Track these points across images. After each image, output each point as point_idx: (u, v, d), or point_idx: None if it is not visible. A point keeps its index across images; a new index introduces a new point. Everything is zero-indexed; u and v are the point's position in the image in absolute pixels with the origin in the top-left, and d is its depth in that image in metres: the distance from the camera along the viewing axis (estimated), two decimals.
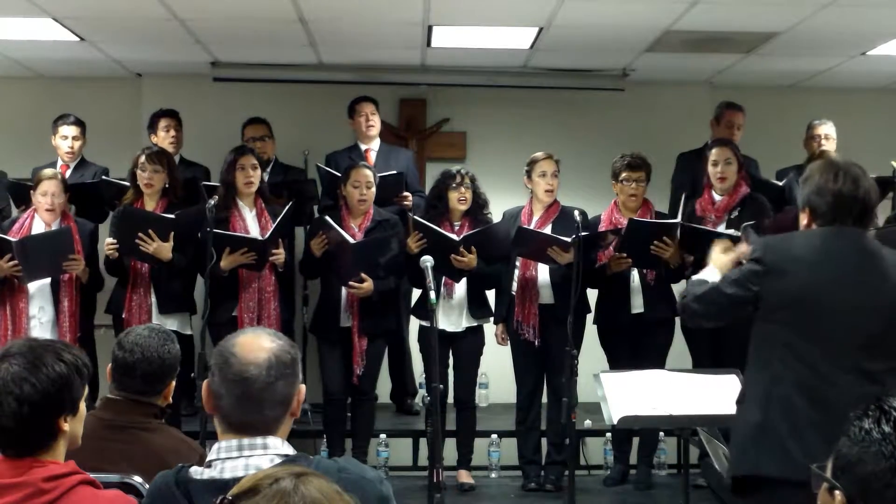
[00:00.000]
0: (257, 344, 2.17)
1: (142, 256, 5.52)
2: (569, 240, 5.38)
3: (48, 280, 5.57)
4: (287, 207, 5.70)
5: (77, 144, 6.52)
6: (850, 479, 1.63)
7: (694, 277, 3.53)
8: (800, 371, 3.09)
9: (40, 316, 5.56)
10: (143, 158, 5.68)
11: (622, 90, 7.62)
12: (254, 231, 5.63)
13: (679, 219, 5.62)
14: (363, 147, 6.64)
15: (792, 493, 3.02)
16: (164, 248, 5.47)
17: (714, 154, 5.77)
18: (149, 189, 5.67)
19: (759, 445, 3.14)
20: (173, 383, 3.15)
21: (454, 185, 5.72)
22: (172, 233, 5.48)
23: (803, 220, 3.25)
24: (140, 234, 5.44)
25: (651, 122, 7.57)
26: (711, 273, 3.44)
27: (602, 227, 5.72)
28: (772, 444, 3.10)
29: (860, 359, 3.07)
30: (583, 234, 5.28)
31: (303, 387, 2.21)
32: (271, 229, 5.55)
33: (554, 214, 5.76)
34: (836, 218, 3.16)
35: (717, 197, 5.75)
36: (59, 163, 6.48)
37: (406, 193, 6.37)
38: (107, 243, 5.55)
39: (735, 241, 4.84)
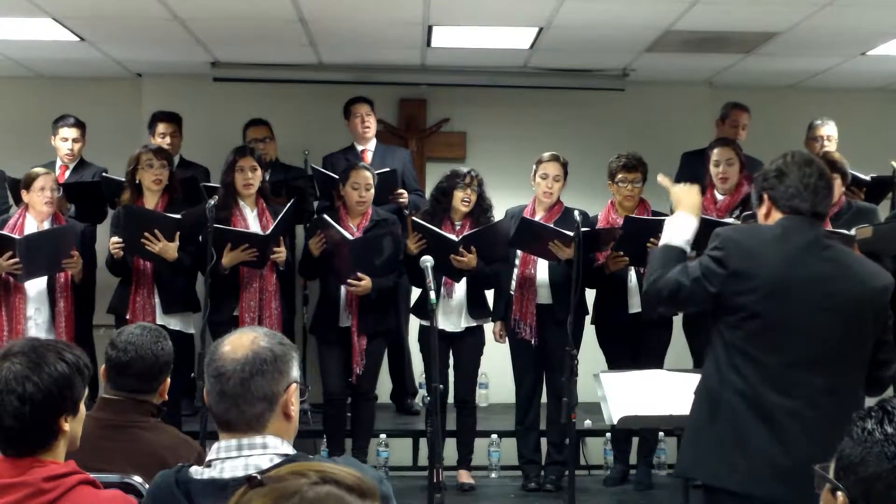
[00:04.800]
0: (239, 342, 2.17)
1: (147, 256, 5.52)
2: (571, 234, 5.38)
3: (44, 282, 5.56)
4: (288, 205, 5.69)
5: (77, 146, 6.51)
6: (853, 480, 1.63)
7: (661, 242, 3.34)
8: (751, 379, 3.02)
9: (36, 317, 5.55)
10: (148, 155, 5.65)
11: (622, 90, 7.61)
12: (255, 230, 5.62)
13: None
14: (360, 147, 6.64)
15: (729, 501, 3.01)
16: (169, 248, 5.46)
17: (716, 154, 5.77)
18: (157, 185, 5.64)
19: (704, 449, 3.11)
20: (168, 380, 3.16)
21: (461, 184, 5.71)
22: (178, 232, 5.48)
23: (762, 210, 3.18)
24: (146, 234, 5.44)
25: (651, 122, 7.57)
26: (680, 225, 3.31)
27: (600, 227, 5.71)
28: (715, 451, 3.07)
29: (816, 371, 3.00)
30: (584, 229, 5.27)
31: (293, 386, 2.18)
32: (272, 226, 5.55)
33: (557, 215, 5.76)
34: (796, 209, 3.11)
35: (718, 196, 5.76)
36: (59, 164, 6.47)
37: (401, 190, 6.36)
38: (112, 242, 5.53)
39: None
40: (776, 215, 3.16)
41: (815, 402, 2.99)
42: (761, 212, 3.20)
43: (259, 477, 1.47)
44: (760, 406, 3.00)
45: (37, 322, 5.54)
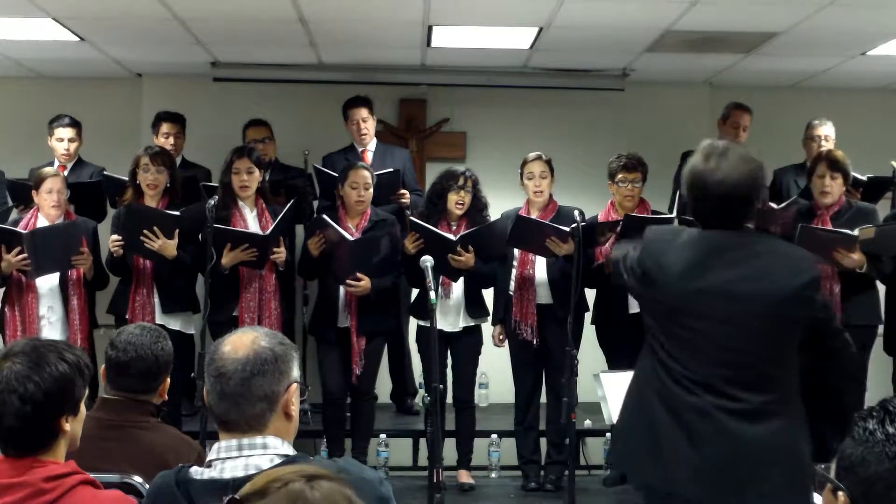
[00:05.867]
0: (240, 341, 2.17)
1: (146, 253, 5.52)
2: (567, 229, 5.38)
3: (56, 280, 5.57)
4: (289, 206, 5.69)
5: (73, 146, 6.50)
6: (854, 480, 1.63)
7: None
8: (666, 383, 2.99)
9: (49, 315, 5.56)
10: (145, 159, 5.67)
11: (622, 90, 7.62)
12: (255, 230, 5.62)
13: (674, 213, 5.63)
14: (360, 147, 6.64)
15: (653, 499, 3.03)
16: (169, 246, 5.46)
17: None
18: (152, 190, 5.66)
19: (628, 446, 3.12)
20: (168, 380, 3.16)
21: (455, 187, 5.71)
22: (177, 230, 5.48)
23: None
24: (145, 231, 5.44)
25: (651, 122, 7.57)
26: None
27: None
28: (635, 449, 3.07)
29: (728, 372, 2.94)
30: (582, 223, 5.27)
31: (294, 386, 2.19)
32: (272, 227, 5.55)
33: (551, 214, 5.75)
34: (710, 220, 3.02)
35: None
36: (56, 164, 6.46)
37: (403, 191, 6.36)
38: (112, 240, 5.53)
39: None
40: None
41: (727, 405, 2.94)
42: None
43: (238, 497, 1.47)
44: (674, 407, 2.97)
45: (50, 320, 5.55)
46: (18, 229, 5.47)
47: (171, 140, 6.64)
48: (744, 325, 2.93)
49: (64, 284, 5.58)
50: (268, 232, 5.53)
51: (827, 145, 6.53)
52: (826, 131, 6.66)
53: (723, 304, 2.93)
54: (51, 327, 5.52)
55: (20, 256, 5.36)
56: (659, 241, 3.09)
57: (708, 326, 2.94)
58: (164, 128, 6.68)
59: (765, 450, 2.93)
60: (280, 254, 5.58)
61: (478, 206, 5.79)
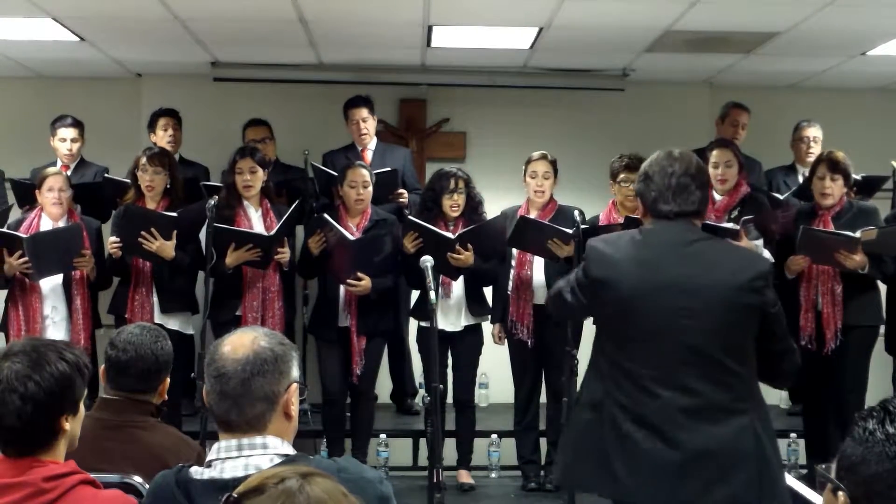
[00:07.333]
0: (240, 341, 2.17)
1: (144, 255, 5.52)
2: (570, 231, 5.38)
3: (60, 279, 5.57)
4: (293, 206, 5.69)
5: (76, 146, 6.50)
6: (854, 480, 1.63)
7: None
8: (625, 388, 3.00)
9: (53, 315, 5.57)
10: (143, 160, 5.68)
11: (622, 90, 7.62)
12: (259, 230, 5.62)
13: None
14: (359, 147, 6.64)
15: None
16: (166, 247, 5.47)
17: (714, 156, 5.77)
18: (150, 191, 5.67)
19: (587, 460, 3.09)
20: (168, 380, 3.17)
21: (447, 190, 5.70)
22: (175, 231, 5.48)
23: (640, 213, 3.18)
24: (143, 233, 5.44)
25: (651, 122, 7.56)
26: None
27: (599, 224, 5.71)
28: (597, 461, 3.05)
29: (683, 374, 2.96)
30: (583, 226, 5.27)
31: (294, 386, 2.19)
32: (276, 227, 5.55)
33: (551, 213, 5.75)
34: (659, 212, 3.07)
35: (717, 196, 5.75)
36: (59, 164, 6.46)
37: (401, 190, 6.36)
38: (110, 242, 5.55)
39: (734, 234, 4.87)
40: (648, 218, 3.15)
41: (691, 404, 2.96)
42: (640, 215, 3.20)
43: (235, 496, 1.48)
44: (638, 413, 2.98)
45: (54, 320, 5.56)
46: (19, 233, 5.47)
47: (170, 132, 6.64)
48: (701, 316, 2.97)
49: (67, 284, 5.59)
50: (272, 232, 5.53)
51: (815, 146, 6.55)
52: (814, 133, 6.68)
53: (679, 297, 2.97)
54: (55, 327, 5.53)
55: (21, 260, 5.37)
56: (602, 248, 3.13)
57: (665, 321, 2.98)
58: (162, 122, 6.69)
59: (730, 452, 2.95)
60: (284, 254, 5.59)
61: (472, 204, 5.79)
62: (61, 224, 5.65)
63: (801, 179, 6.44)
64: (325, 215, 5.63)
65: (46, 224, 5.65)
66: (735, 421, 2.97)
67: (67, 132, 6.48)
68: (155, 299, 5.60)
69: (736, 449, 2.96)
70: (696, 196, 3.10)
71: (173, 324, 5.54)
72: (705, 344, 2.97)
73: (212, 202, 5.33)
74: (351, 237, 5.52)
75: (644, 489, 2.99)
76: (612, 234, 3.40)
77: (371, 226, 5.69)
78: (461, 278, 5.72)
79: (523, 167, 5.81)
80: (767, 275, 3.08)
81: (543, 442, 5.95)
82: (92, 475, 2.24)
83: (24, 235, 5.44)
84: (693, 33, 6.27)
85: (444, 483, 4.44)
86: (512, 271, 5.77)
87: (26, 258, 5.36)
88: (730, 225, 5.18)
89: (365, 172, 5.71)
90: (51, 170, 5.84)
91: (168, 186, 5.70)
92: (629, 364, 3.01)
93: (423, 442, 6.20)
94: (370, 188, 5.70)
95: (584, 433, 3.13)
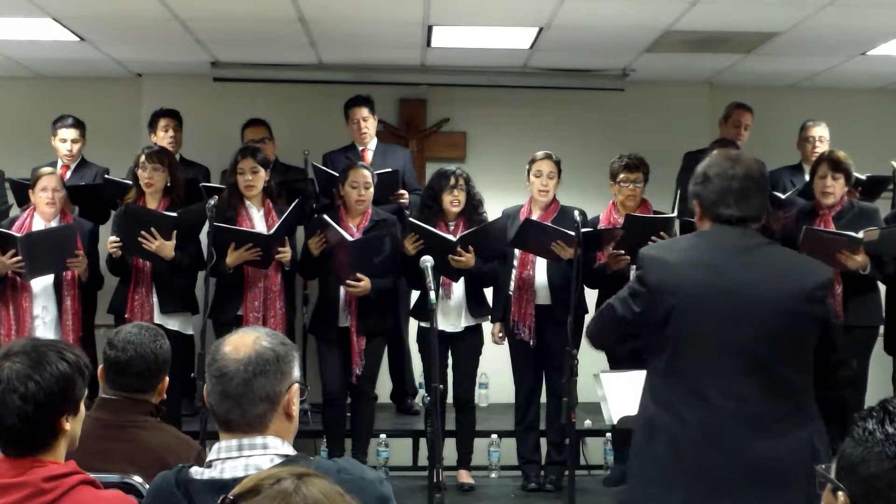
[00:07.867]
0: (241, 342, 2.17)
1: (144, 254, 5.52)
2: (573, 234, 5.38)
3: (51, 279, 5.57)
4: (293, 205, 5.69)
5: (76, 147, 6.50)
6: (854, 480, 1.63)
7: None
8: (681, 395, 2.93)
9: (43, 315, 5.56)
10: (142, 158, 5.69)
11: (622, 90, 7.62)
12: (261, 230, 5.62)
13: (675, 213, 5.63)
14: (360, 147, 6.64)
15: None
16: (166, 247, 5.47)
17: None
18: (149, 188, 5.67)
19: (648, 480, 3.01)
20: (167, 379, 3.16)
21: (447, 187, 5.72)
22: (175, 231, 5.48)
23: (696, 216, 3.10)
24: (142, 232, 5.44)
25: (651, 122, 7.57)
26: None
27: (601, 227, 5.71)
28: (657, 481, 2.96)
29: (741, 383, 2.89)
30: (585, 230, 5.27)
31: (295, 386, 2.19)
32: (276, 226, 5.55)
33: (553, 213, 5.76)
34: (719, 215, 3.00)
35: None
36: (59, 164, 6.46)
37: (402, 191, 6.36)
38: (110, 241, 5.54)
39: None
40: (706, 222, 3.07)
41: (746, 412, 2.90)
42: (696, 218, 3.11)
43: (232, 497, 1.48)
44: (692, 422, 2.91)
45: (44, 321, 5.55)
46: (12, 232, 5.47)
47: (171, 133, 6.64)
48: (762, 323, 2.90)
49: (58, 285, 5.58)
50: (271, 232, 5.53)
51: (821, 146, 6.53)
52: (820, 132, 6.66)
53: (740, 303, 2.90)
54: (45, 327, 5.52)
55: (14, 259, 5.37)
56: (656, 254, 3.07)
57: (725, 327, 2.91)
58: (163, 122, 6.69)
59: (787, 465, 2.88)
60: (285, 253, 5.59)
61: (472, 203, 5.79)
62: (53, 224, 5.64)
63: (807, 178, 6.43)
64: (325, 216, 5.63)
65: (39, 224, 5.64)
66: (793, 433, 2.91)
67: (68, 133, 6.47)
68: (155, 299, 5.60)
69: (793, 462, 2.88)
70: (758, 200, 3.03)
71: (173, 324, 5.53)
72: (765, 352, 2.90)
73: (212, 202, 5.33)
74: (350, 238, 5.52)
75: (698, 500, 2.92)
76: (665, 241, 3.35)
77: (371, 226, 5.69)
78: (462, 280, 5.72)
79: (526, 166, 5.82)
80: (829, 284, 3.04)
81: (543, 442, 5.95)
82: (92, 475, 2.24)
83: (17, 234, 5.44)
84: (693, 33, 6.27)
85: (444, 483, 4.44)
86: (514, 271, 5.77)
87: (19, 257, 5.36)
88: None
89: (367, 173, 5.71)
90: (45, 169, 5.84)
91: (168, 185, 5.70)
92: (686, 371, 2.94)
93: (423, 442, 6.21)
94: (371, 189, 5.70)
95: (641, 455, 3.05)
